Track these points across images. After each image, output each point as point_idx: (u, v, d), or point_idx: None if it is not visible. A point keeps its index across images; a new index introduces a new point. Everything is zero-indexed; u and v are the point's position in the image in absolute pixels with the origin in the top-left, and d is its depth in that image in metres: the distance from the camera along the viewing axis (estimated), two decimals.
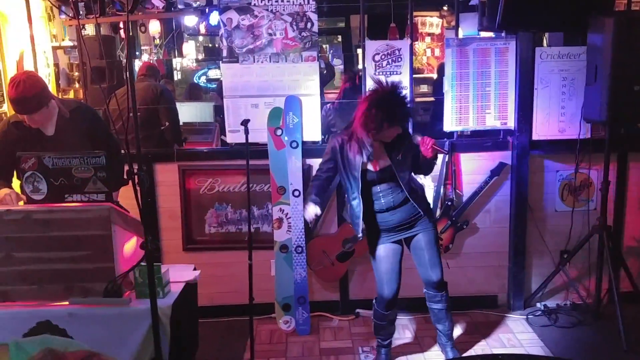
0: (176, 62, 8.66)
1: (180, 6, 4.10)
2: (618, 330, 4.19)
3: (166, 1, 3.82)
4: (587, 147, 4.62)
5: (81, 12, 3.89)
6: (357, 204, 3.69)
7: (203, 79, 9.10)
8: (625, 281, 4.58)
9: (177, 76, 9.00)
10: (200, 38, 9.64)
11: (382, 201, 3.70)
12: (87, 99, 4.90)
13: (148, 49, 7.51)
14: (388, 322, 3.96)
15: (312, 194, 3.76)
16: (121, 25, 4.64)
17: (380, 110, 3.43)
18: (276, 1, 4.47)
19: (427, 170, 3.85)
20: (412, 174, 3.78)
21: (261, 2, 4.47)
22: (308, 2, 4.47)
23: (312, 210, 3.69)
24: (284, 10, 4.48)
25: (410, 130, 4.00)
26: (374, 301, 3.97)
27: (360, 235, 3.79)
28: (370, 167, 3.65)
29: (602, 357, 4.14)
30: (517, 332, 4.50)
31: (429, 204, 3.89)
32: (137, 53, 6.41)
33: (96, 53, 4.98)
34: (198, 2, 4.57)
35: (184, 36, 8.49)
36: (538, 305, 4.79)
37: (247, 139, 3.85)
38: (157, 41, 7.44)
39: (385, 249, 3.78)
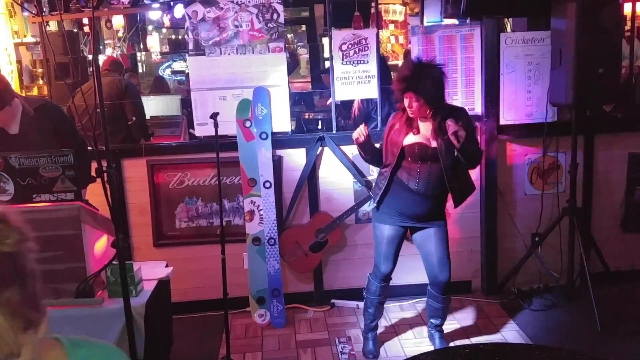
0: (140, 55, 8.53)
1: (146, 0, 4.01)
2: (591, 311, 4.26)
3: None
4: (554, 131, 4.67)
5: (45, 9, 3.79)
6: (385, 176, 3.70)
7: (168, 71, 8.99)
8: (596, 262, 4.64)
9: (141, 69, 8.86)
10: (164, 30, 9.52)
11: (418, 181, 3.63)
12: (51, 95, 4.80)
13: (112, 43, 7.38)
14: (380, 297, 3.97)
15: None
16: (85, 21, 4.53)
17: (398, 79, 3.56)
18: None
19: (467, 160, 3.62)
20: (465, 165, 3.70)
21: None
22: None
23: (360, 128, 3.67)
24: (249, 1, 4.44)
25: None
26: (369, 275, 4.00)
27: (374, 205, 3.82)
28: (413, 141, 3.62)
29: (578, 338, 4.19)
30: (492, 317, 4.54)
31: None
32: (100, 47, 6.29)
33: (60, 49, 4.88)
34: None
35: (148, 29, 8.37)
36: (512, 289, 4.84)
37: (216, 132, 3.80)
38: (121, 35, 7.33)
39: (391, 231, 3.79)
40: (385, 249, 3.83)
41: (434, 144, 3.58)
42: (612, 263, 4.77)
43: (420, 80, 3.48)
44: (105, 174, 2.97)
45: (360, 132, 3.68)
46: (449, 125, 3.39)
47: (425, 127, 3.63)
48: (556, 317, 4.51)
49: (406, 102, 3.54)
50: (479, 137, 4.72)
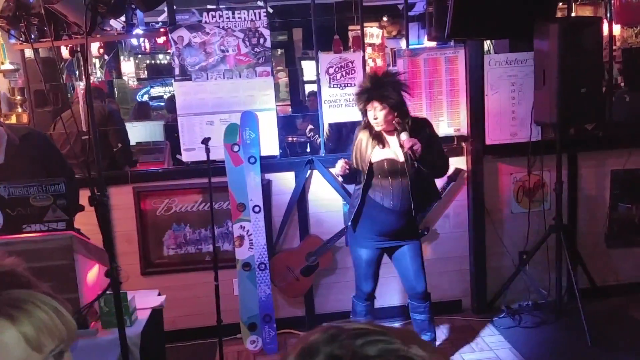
0: (116, 81, 8.46)
1: (141, 27, 3.99)
2: (581, 326, 4.29)
3: (125, 23, 3.71)
4: (539, 150, 4.74)
5: (33, 35, 3.74)
6: (358, 194, 3.74)
7: (146, 97, 8.93)
8: (582, 277, 4.70)
9: (117, 95, 8.79)
10: (139, 55, 9.46)
11: (392, 199, 3.66)
12: (34, 123, 4.72)
13: (89, 69, 7.27)
14: (366, 317, 3.97)
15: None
16: (76, 47, 4.47)
17: (359, 92, 3.62)
18: (227, 18, 4.43)
19: (429, 170, 3.71)
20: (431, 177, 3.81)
21: (212, 19, 4.42)
22: (260, 18, 4.45)
23: (340, 162, 3.68)
24: (235, 26, 4.44)
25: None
26: (352, 297, 4.03)
27: (349, 224, 3.84)
28: (382, 157, 3.66)
29: (570, 354, 4.23)
30: (484, 335, 4.56)
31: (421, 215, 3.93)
32: (76, 74, 6.21)
33: (41, 76, 4.81)
34: (160, 22, 4.46)
35: (125, 55, 8.32)
36: (501, 307, 4.86)
37: (208, 157, 3.79)
38: (98, 62, 7.25)
39: (367, 255, 3.82)
40: (364, 271, 3.88)
41: (401, 157, 3.63)
42: (598, 278, 4.83)
43: (381, 88, 3.56)
44: (96, 202, 2.93)
45: (342, 166, 3.68)
46: (404, 142, 3.50)
47: (394, 141, 3.66)
48: (547, 333, 4.55)
49: (371, 115, 3.59)
50: (465, 157, 4.79)
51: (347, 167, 3.66)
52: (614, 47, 5.29)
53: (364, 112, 3.67)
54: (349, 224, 3.85)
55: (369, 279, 3.89)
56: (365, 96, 3.59)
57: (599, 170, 4.96)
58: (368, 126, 3.71)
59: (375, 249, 3.82)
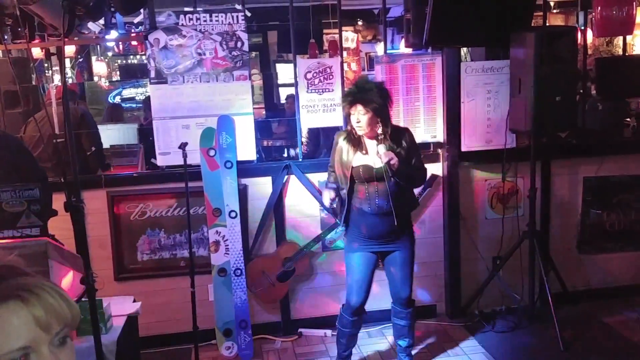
0: (87, 83, 8.33)
1: (120, 30, 3.92)
2: (553, 331, 4.35)
3: (103, 26, 3.65)
4: (513, 156, 4.79)
5: (6, 37, 3.65)
6: (343, 199, 3.75)
7: (118, 98, 8.80)
8: (554, 283, 4.76)
9: (88, 96, 8.64)
10: (110, 54, 9.32)
11: (371, 203, 3.67)
12: (4, 124, 4.62)
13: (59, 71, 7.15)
14: (352, 330, 3.96)
15: (328, 182, 3.90)
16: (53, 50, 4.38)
17: (345, 94, 3.67)
18: (205, 21, 4.39)
19: (405, 182, 3.73)
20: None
21: (189, 22, 4.37)
22: (238, 22, 4.41)
23: (327, 194, 3.77)
24: (212, 29, 4.40)
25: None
26: (340, 307, 3.99)
27: (340, 223, 3.85)
28: (364, 163, 3.67)
29: (543, 358, 4.29)
30: (458, 340, 4.59)
31: (410, 218, 3.92)
32: (48, 76, 6.10)
33: (9, 76, 4.71)
34: (137, 25, 4.39)
35: (97, 55, 8.19)
36: (475, 312, 4.90)
37: (185, 162, 3.75)
38: (69, 62, 7.13)
39: (360, 258, 3.79)
40: (355, 277, 3.82)
41: (378, 164, 3.63)
42: (570, 283, 4.90)
43: (366, 91, 3.59)
44: (72, 207, 2.88)
45: (329, 197, 3.78)
46: (381, 155, 3.53)
47: (372, 147, 3.67)
48: (520, 338, 4.60)
49: (354, 119, 3.60)
50: (441, 163, 4.82)
51: (334, 193, 3.76)
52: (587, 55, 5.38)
53: (348, 116, 3.68)
54: (341, 223, 3.84)
55: (359, 290, 3.82)
56: (350, 99, 3.60)
57: (571, 177, 5.04)
58: (349, 132, 3.71)
59: (368, 253, 3.79)
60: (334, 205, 3.86)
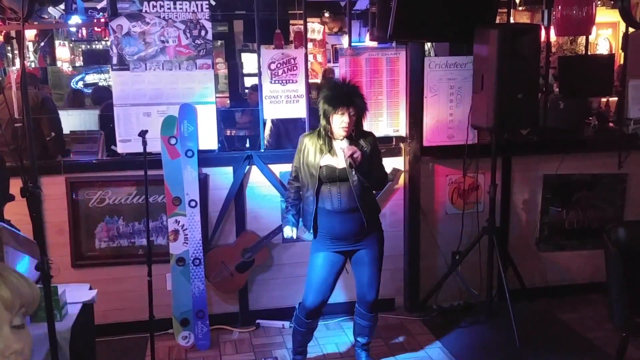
0: (50, 67, 8.19)
1: (80, 16, 3.85)
2: (510, 327, 4.39)
3: (64, 11, 3.58)
4: (474, 152, 4.83)
5: None
6: (311, 200, 3.69)
7: (80, 84, 8.66)
8: (512, 279, 4.81)
9: (50, 81, 8.50)
10: (73, 39, 9.16)
11: (334, 202, 3.65)
12: None
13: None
14: (306, 330, 3.92)
15: (288, 212, 3.87)
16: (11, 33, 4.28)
17: (334, 96, 3.57)
18: (168, 8, 4.34)
19: (367, 181, 3.68)
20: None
21: (153, 9, 4.32)
22: (202, 10, 4.37)
23: (288, 232, 3.81)
24: (176, 17, 4.36)
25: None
26: (297, 305, 3.93)
27: (311, 232, 3.77)
28: (330, 163, 3.65)
29: (499, 355, 4.33)
30: (415, 334, 4.62)
31: (378, 217, 3.90)
32: (8, 58, 5.99)
33: None
34: (99, 11, 4.33)
35: (60, 40, 8.05)
36: (433, 306, 4.93)
37: (145, 150, 3.70)
38: (31, 46, 7.01)
39: (324, 259, 3.73)
40: (315, 277, 3.75)
41: (342, 164, 3.63)
42: (527, 280, 4.97)
43: (355, 96, 3.58)
44: (28, 192, 2.83)
45: (291, 233, 3.82)
46: (345, 149, 3.53)
47: (337, 147, 3.66)
48: (477, 333, 4.64)
49: (340, 120, 3.55)
50: (402, 158, 4.84)
51: (295, 230, 3.82)
52: (550, 53, 5.43)
53: (329, 117, 3.59)
54: (310, 231, 3.78)
55: (317, 292, 3.74)
56: (344, 101, 3.54)
57: (531, 174, 5.09)
58: (319, 132, 3.69)
59: (332, 254, 3.73)
60: (294, 237, 3.86)
